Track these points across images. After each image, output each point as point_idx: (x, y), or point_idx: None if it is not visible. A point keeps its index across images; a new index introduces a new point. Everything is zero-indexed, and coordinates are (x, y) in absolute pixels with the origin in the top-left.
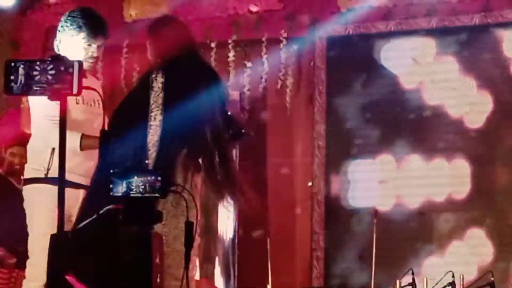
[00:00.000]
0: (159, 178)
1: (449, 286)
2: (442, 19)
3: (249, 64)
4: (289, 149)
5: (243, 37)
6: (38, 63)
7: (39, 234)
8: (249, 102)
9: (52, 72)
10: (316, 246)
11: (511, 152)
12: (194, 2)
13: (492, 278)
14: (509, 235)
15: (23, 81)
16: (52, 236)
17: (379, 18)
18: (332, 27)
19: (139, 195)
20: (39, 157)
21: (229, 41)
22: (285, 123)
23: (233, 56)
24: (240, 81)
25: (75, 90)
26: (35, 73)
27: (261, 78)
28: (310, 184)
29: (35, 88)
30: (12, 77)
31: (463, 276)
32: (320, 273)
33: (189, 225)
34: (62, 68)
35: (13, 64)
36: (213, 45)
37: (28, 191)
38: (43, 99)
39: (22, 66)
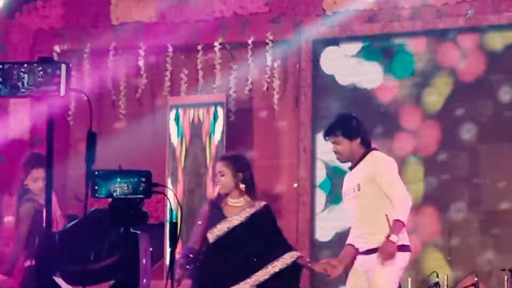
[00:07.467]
0: (143, 179)
1: (433, 286)
2: (427, 22)
3: (235, 67)
4: (275, 151)
5: (229, 39)
6: (25, 65)
7: None
8: (235, 104)
9: (40, 74)
10: (301, 246)
11: None
12: (181, 5)
13: (476, 279)
14: None
15: (10, 83)
16: (40, 236)
17: (364, 21)
18: (318, 29)
19: (123, 196)
20: None
21: (215, 43)
22: (271, 125)
23: (219, 58)
24: (226, 84)
25: (62, 92)
26: (22, 75)
27: (247, 80)
28: (295, 185)
29: (22, 90)
30: None
31: (447, 276)
32: (306, 274)
33: (173, 226)
34: (49, 70)
35: (0, 66)
36: (199, 47)
37: None
38: None
39: (9, 68)
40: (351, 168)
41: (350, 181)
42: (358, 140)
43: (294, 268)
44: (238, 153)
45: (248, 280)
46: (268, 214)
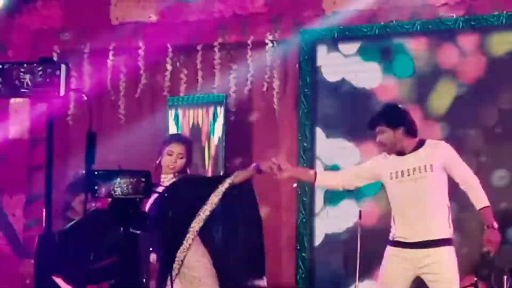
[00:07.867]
0: (142, 179)
1: None
2: (426, 22)
3: (234, 67)
4: (275, 151)
5: (229, 40)
6: (25, 65)
7: None
8: (235, 104)
9: (40, 74)
10: (301, 246)
11: None
12: (180, 5)
13: (476, 279)
14: None
15: (10, 83)
16: (40, 236)
17: (364, 21)
18: (317, 29)
19: (123, 196)
20: None
21: (215, 44)
22: (271, 125)
23: (219, 58)
24: (226, 84)
25: (62, 93)
26: (22, 75)
27: (247, 80)
28: (295, 185)
29: (22, 90)
30: None
31: None
32: (305, 273)
33: None
34: (49, 71)
35: (0, 66)
36: (199, 47)
37: None
38: None
39: (9, 68)
40: (400, 154)
41: (404, 163)
42: (401, 130)
43: (246, 193)
44: (189, 137)
45: (188, 235)
46: (186, 177)
